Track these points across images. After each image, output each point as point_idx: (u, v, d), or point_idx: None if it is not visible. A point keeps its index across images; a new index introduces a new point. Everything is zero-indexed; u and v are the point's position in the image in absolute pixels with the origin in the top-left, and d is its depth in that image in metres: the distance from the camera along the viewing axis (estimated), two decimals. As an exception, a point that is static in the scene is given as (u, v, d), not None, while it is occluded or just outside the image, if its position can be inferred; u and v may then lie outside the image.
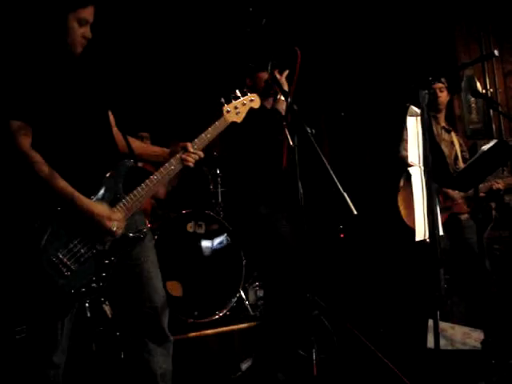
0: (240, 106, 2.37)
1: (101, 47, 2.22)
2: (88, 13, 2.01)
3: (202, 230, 3.81)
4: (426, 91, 2.10)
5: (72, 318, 2.03)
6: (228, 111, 2.32)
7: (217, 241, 3.84)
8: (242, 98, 2.38)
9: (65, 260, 1.90)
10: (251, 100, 2.41)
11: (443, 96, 3.61)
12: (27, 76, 1.94)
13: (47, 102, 1.95)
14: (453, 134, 3.71)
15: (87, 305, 3.01)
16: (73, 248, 1.93)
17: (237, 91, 2.39)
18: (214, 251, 3.82)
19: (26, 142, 1.90)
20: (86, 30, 2.03)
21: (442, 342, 2.23)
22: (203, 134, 2.25)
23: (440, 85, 3.58)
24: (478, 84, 4.52)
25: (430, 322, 2.86)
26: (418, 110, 2.27)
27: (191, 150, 2.19)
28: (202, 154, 2.24)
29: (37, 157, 1.90)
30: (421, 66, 4.45)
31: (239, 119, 2.37)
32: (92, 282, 1.95)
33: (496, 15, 4.60)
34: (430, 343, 2.76)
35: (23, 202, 1.98)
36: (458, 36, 4.67)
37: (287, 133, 2.40)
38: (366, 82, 5.11)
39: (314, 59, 4.71)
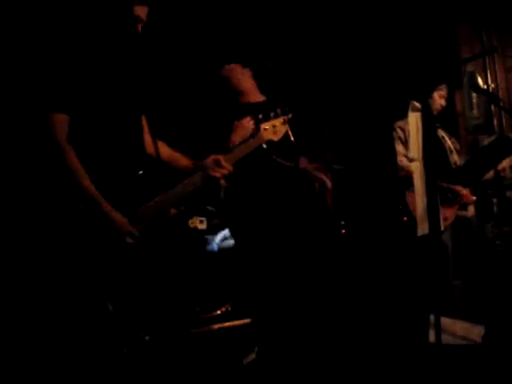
0: (278, 125, 2.27)
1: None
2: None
3: (203, 226, 3.82)
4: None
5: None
6: (265, 129, 2.24)
7: (218, 236, 3.85)
8: (281, 117, 2.28)
9: None
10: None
11: (439, 103, 3.61)
12: (70, 69, 1.97)
13: (85, 97, 1.97)
14: (440, 129, 3.71)
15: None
16: None
17: (278, 109, 2.29)
18: (216, 247, 3.83)
19: (62, 134, 1.93)
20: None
21: (444, 337, 2.24)
22: (237, 150, 2.20)
23: (441, 92, 3.59)
24: (480, 79, 4.51)
25: (432, 317, 2.86)
26: (420, 106, 2.27)
27: (223, 164, 2.13)
28: (231, 170, 2.16)
29: (71, 151, 1.93)
30: (423, 61, 4.44)
31: (277, 137, 2.27)
32: None
33: (498, 11, 4.59)
34: (432, 338, 2.76)
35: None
36: (459, 32, 4.67)
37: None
38: (368, 77, 5.09)
39: (314, 53, 4.73)
